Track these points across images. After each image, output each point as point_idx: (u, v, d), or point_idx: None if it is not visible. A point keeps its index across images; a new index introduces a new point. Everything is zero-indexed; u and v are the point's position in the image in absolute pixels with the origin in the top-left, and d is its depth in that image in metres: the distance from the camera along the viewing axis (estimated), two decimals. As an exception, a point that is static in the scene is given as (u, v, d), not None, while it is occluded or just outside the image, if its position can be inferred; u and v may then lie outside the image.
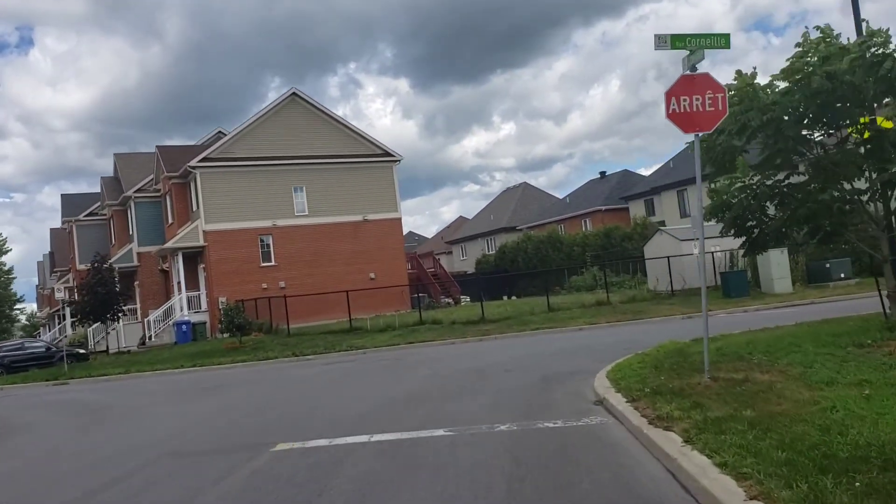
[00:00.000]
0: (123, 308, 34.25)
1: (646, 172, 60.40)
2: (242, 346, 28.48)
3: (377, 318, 30.71)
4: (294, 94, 38.26)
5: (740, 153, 10.77)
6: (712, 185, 11.81)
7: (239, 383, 17.66)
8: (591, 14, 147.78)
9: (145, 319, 37.79)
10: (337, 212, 38.61)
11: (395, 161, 40.44)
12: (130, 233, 42.84)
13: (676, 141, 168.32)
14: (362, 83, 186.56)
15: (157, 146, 40.03)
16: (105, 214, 45.88)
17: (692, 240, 29.59)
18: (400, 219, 40.30)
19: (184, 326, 34.66)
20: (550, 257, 44.61)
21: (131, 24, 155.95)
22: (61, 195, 49.44)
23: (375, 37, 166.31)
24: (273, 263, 37.32)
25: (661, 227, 34.61)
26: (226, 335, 29.85)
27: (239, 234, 36.61)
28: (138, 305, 42.19)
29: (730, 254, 31.83)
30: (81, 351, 34.77)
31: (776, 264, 29.49)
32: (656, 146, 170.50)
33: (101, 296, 30.71)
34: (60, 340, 45.87)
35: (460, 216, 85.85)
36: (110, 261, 41.49)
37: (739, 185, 10.82)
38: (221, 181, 36.48)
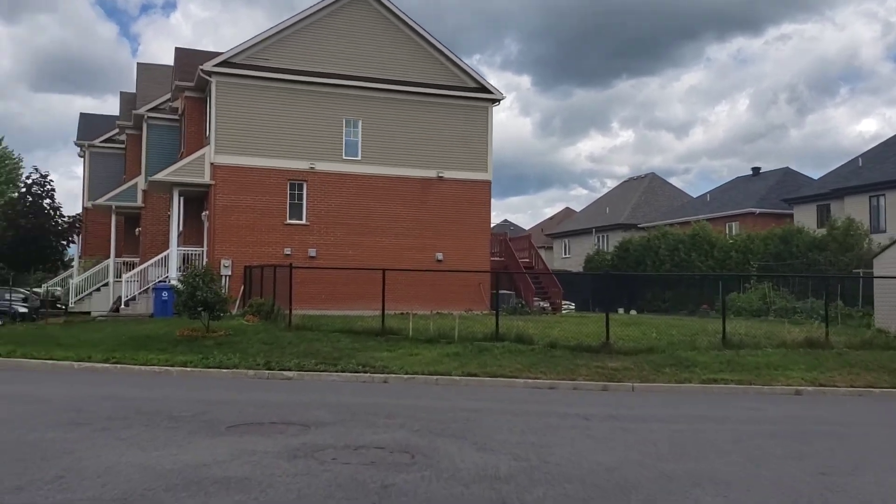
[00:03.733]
0: (63, 253, 23.80)
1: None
2: (208, 336, 17.58)
3: (430, 319, 19.20)
4: (362, -13, 27.12)
5: None
6: None
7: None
8: (727, 29, 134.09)
9: (124, 276, 27.52)
10: (402, 161, 27.27)
11: (494, 101, 28.75)
12: (142, 164, 32.77)
13: (802, 170, 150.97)
14: (484, 75, 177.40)
15: (176, 47, 29.74)
16: (123, 140, 36.05)
17: None
18: (489, 182, 28.59)
19: (165, 293, 24.04)
20: (693, 263, 31.97)
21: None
22: (80, 114, 39.87)
23: (503, 31, 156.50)
24: (304, 222, 26.32)
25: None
26: (183, 316, 18.85)
27: (261, 174, 25.80)
28: (139, 258, 32.12)
29: None
30: (24, 309, 24.86)
31: None
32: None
33: (23, 232, 20.32)
34: (54, 292, 36.57)
35: (566, 207, 73.45)
36: (105, 197, 31.63)
37: None
38: (245, 98, 25.73)
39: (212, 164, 25.47)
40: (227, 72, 25.52)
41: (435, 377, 13.87)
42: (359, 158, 26.94)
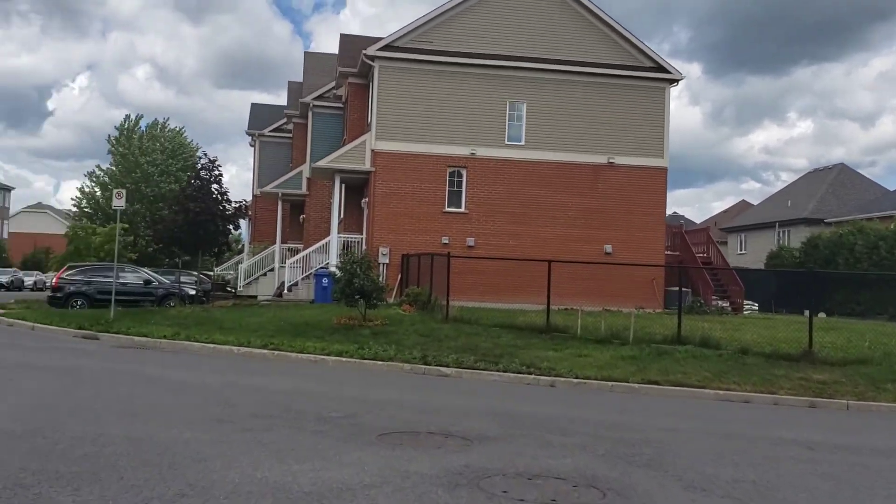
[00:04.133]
0: (229, 238, 23.99)
1: None
2: (365, 324, 16.92)
3: (599, 316, 17.52)
4: (528, -36, 25.66)
5: None
6: None
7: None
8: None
9: (287, 262, 27.74)
10: (569, 146, 25.65)
11: (672, 81, 26.46)
12: (307, 152, 33.11)
13: None
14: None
15: (341, 34, 29.65)
16: (290, 129, 36.68)
17: None
18: (665, 169, 26.34)
19: (325, 280, 23.83)
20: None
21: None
22: (251, 104, 41.14)
23: (673, 17, 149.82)
24: (463, 210, 25.34)
25: None
26: (341, 303, 18.31)
27: (420, 160, 25.05)
28: (303, 244, 32.53)
29: None
30: (193, 291, 25.50)
31: None
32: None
33: (192, 216, 20.60)
34: (225, 276, 38.04)
35: (742, 200, 68.55)
36: (273, 184, 32.24)
37: None
38: (406, 82, 25.06)
39: (372, 150, 25.02)
40: (390, 55, 24.96)
41: (609, 383, 12.29)
42: (522, 143, 25.61)
